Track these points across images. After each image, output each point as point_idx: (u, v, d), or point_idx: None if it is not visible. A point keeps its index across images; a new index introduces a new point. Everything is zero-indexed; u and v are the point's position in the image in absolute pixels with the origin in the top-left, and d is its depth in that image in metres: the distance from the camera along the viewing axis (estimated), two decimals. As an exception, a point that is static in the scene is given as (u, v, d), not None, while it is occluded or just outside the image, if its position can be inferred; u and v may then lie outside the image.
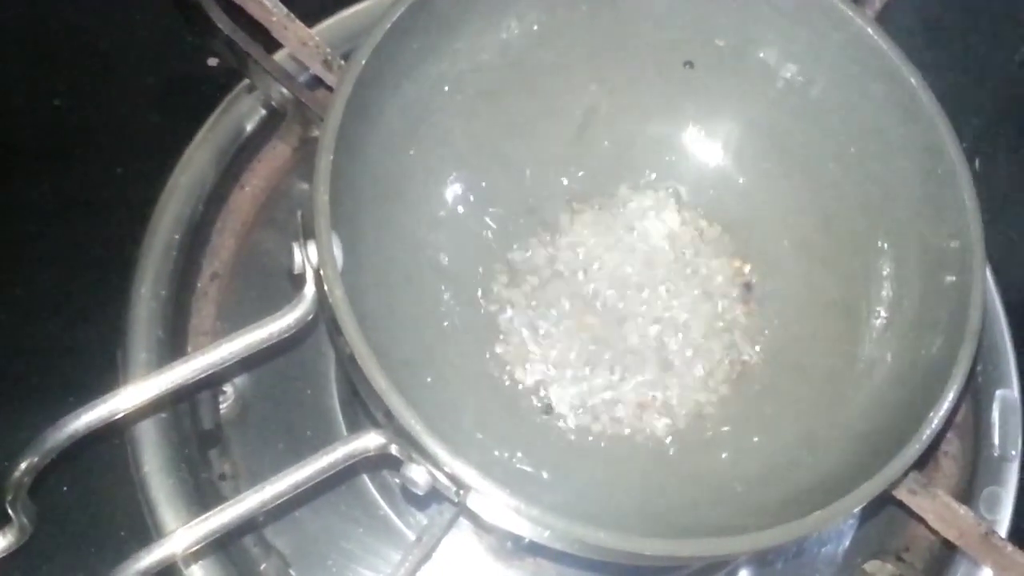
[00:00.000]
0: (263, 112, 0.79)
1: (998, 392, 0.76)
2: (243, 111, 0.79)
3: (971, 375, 0.58)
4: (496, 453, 0.64)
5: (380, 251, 0.63)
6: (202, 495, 0.68)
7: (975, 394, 0.77)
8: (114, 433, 0.67)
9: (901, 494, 0.63)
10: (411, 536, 0.69)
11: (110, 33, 0.85)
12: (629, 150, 0.74)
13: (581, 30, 0.70)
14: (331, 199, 0.54)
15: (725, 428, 0.68)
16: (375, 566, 0.69)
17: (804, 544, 0.73)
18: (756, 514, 0.58)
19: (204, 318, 0.75)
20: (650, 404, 0.69)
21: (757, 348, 0.70)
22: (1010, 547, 0.65)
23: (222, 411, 0.72)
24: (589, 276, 0.71)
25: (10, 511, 0.58)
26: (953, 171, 0.62)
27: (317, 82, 0.74)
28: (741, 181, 0.73)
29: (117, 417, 0.55)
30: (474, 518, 0.55)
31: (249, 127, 0.79)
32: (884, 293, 0.66)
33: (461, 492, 0.52)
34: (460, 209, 0.71)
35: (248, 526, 0.67)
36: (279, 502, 0.55)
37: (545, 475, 0.64)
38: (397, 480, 0.69)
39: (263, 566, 0.67)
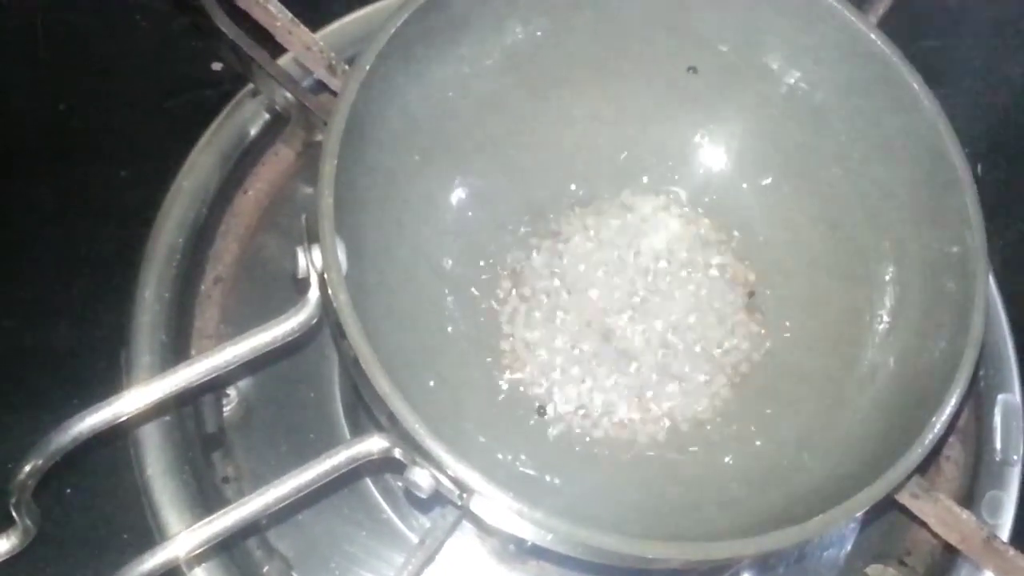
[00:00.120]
0: (267, 116, 0.79)
1: (1000, 396, 0.76)
2: (247, 115, 0.79)
3: (973, 379, 0.58)
4: (499, 456, 0.64)
5: (384, 255, 0.64)
6: (205, 498, 0.68)
7: (977, 398, 0.77)
8: (117, 436, 0.67)
9: (903, 498, 0.63)
10: (414, 539, 0.69)
11: (114, 37, 0.85)
12: (632, 155, 0.74)
13: (585, 36, 0.70)
14: (335, 203, 0.54)
15: (727, 432, 0.68)
16: (378, 569, 0.69)
17: (806, 548, 0.72)
18: (758, 518, 0.59)
19: (207, 321, 0.75)
20: (652, 408, 0.69)
21: (759, 353, 0.70)
22: (1012, 551, 0.65)
23: (225, 414, 0.72)
24: (592, 281, 0.71)
25: (14, 513, 0.58)
26: (955, 176, 0.62)
27: (321, 87, 0.74)
28: (744, 187, 0.73)
29: (121, 420, 0.55)
30: (477, 521, 0.56)
31: (253, 131, 0.79)
32: (887, 298, 0.66)
33: (464, 495, 0.52)
34: (463, 214, 0.71)
35: (251, 529, 0.67)
36: (282, 505, 0.55)
37: (548, 478, 0.64)
38: (400, 483, 0.70)
39: (266, 569, 0.67)
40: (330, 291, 0.53)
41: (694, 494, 0.65)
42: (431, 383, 0.64)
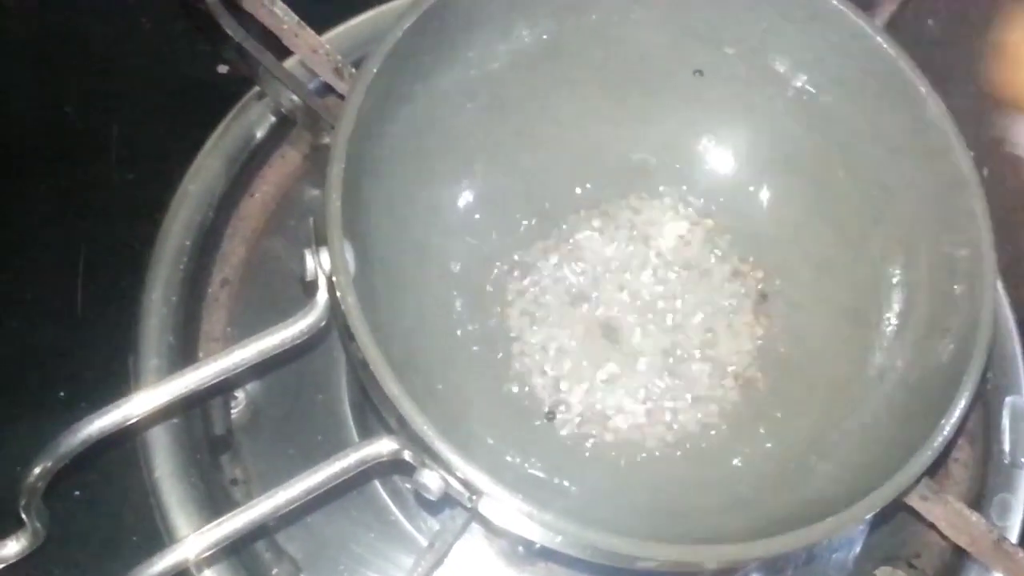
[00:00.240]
0: (273, 119, 0.79)
1: (1008, 399, 0.76)
2: (253, 118, 0.79)
3: (981, 381, 0.58)
4: (508, 459, 0.64)
5: (391, 258, 0.64)
6: (213, 500, 0.68)
7: (985, 401, 0.76)
8: (126, 438, 0.67)
9: (912, 500, 0.63)
10: (423, 541, 0.69)
11: (121, 40, 0.85)
12: (639, 158, 0.74)
13: (591, 39, 0.70)
14: (343, 206, 0.55)
15: (736, 435, 0.68)
16: (386, 571, 0.69)
17: (815, 551, 0.72)
18: (767, 520, 0.59)
19: (215, 324, 0.75)
20: (661, 411, 0.69)
21: (767, 355, 0.70)
22: (1021, 553, 0.64)
23: (233, 416, 0.72)
24: (599, 284, 0.71)
25: (23, 516, 0.58)
26: (963, 179, 0.62)
27: (327, 89, 0.74)
28: (751, 189, 0.73)
29: (130, 422, 0.55)
30: (486, 523, 0.56)
31: (259, 134, 0.79)
32: (895, 300, 0.66)
33: (474, 497, 0.52)
34: (471, 216, 0.71)
35: (260, 531, 0.67)
36: (292, 507, 0.56)
37: (557, 480, 0.64)
38: (409, 485, 0.70)
39: (275, 571, 0.67)
40: (338, 294, 0.53)
41: (703, 496, 0.65)
42: (440, 385, 0.64)
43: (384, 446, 0.55)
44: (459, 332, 0.68)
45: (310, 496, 0.55)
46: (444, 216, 0.70)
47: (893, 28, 0.68)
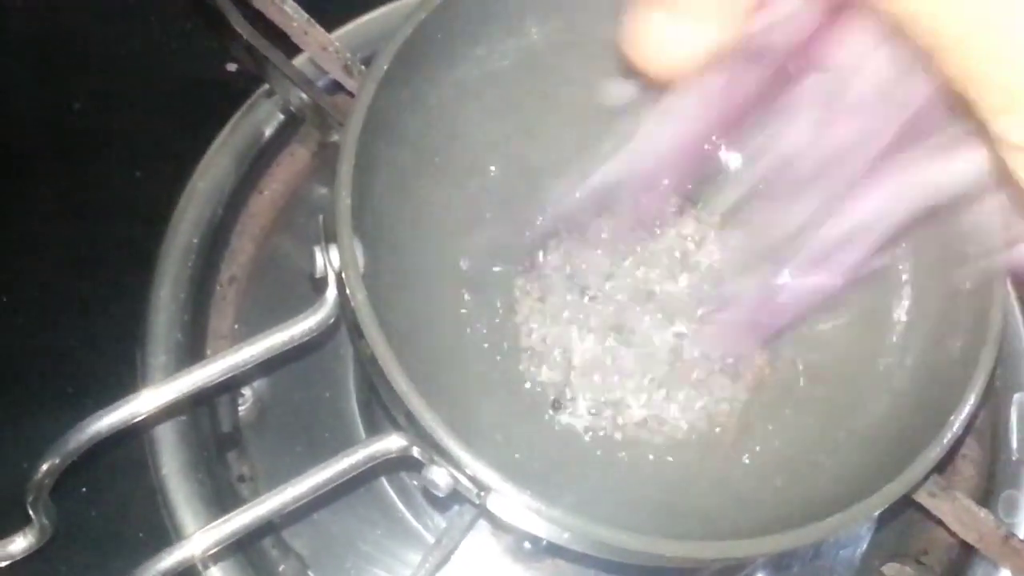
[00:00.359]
0: (282, 117, 0.80)
1: (1016, 396, 0.76)
2: (262, 116, 0.80)
3: (989, 378, 0.58)
4: (516, 456, 0.64)
5: (400, 255, 0.64)
6: (220, 497, 0.68)
7: (993, 398, 0.76)
8: (133, 436, 0.67)
9: (921, 497, 0.63)
10: (429, 538, 0.69)
11: (129, 37, 0.85)
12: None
13: (600, 37, 0.70)
14: (352, 203, 0.55)
15: (745, 433, 0.68)
16: (393, 568, 0.69)
17: (822, 547, 0.73)
18: (775, 517, 0.58)
19: (222, 321, 0.75)
20: (669, 408, 0.69)
21: (777, 353, 0.70)
22: (1030, 550, 0.65)
23: (241, 414, 0.73)
24: (609, 281, 0.71)
25: (31, 512, 0.59)
26: (975, 175, 0.62)
27: (337, 87, 0.74)
28: (760, 187, 0.73)
29: (138, 419, 0.55)
30: (494, 520, 0.56)
31: (268, 132, 0.79)
32: (903, 297, 0.66)
33: (482, 494, 0.52)
34: (480, 213, 0.71)
35: (266, 528, 0.67)
36: (299, 504, 0.56)
37: (564, 478, 0.64)
38: (416, 482, 0.70)
39: (281, 568, 0.68)
40: (348, 290, 0.53)
41: (712, 493, 0.65)
42: (447, 382, 0.64)
43: (393, 442, 0.55)
44: (468, 329, 0.68)
45: (318, 492, 0.56)
46: (453, 212, 0.69)
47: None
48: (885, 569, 0.72)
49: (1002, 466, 0.75)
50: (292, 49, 0.73)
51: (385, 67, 0.58)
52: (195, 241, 0.75)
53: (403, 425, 0.55)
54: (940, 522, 0.66)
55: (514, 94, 0.70)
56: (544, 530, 0.53)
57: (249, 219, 0.78)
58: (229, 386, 0.72)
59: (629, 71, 0.52)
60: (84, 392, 0.72)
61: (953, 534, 0.67)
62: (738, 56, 0.50)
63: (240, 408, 0.73)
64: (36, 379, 0.73)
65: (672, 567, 0.67)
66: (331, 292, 0.55)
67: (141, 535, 0.69)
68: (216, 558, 0.65)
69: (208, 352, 0.74)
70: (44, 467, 0.55)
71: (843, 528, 0.53)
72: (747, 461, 0.66)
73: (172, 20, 0.85)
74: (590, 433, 0.68)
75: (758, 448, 0.67)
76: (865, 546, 0.73)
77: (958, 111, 0.45)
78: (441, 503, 0.69)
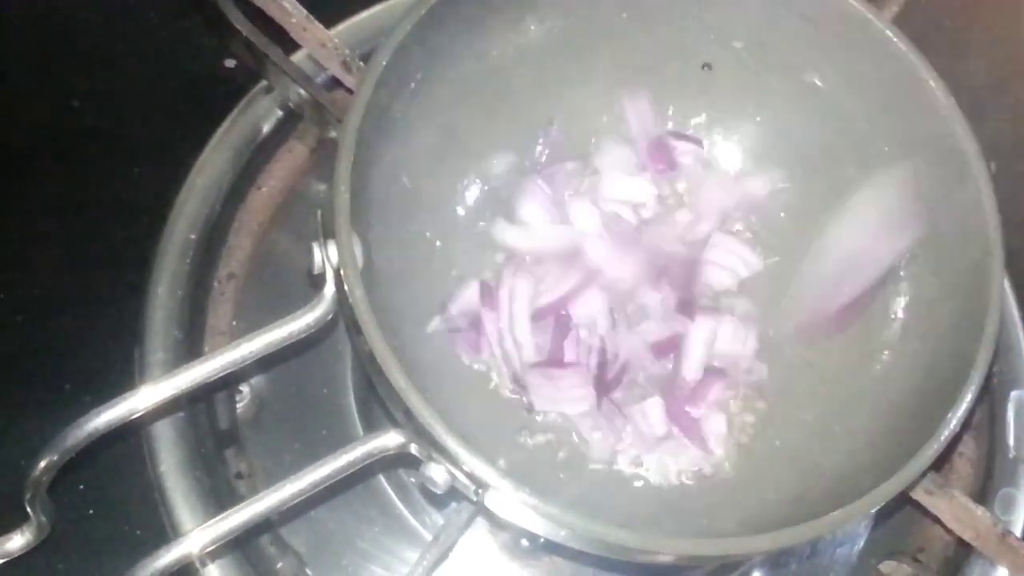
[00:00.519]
0: (280, 113, 0.79)
1: (1013, 393, 0.76)
2: (260, 112, 0.79)
3: (986, 376, 0.58)
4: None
5: (398, 251, 0.64)
6: (218, 494, 0.68)
7: (990, 396, 0.77)
8: (131, 433, 0.67)
9: (918, 494, 0.63)
10: (427, 535, 0.69)
11: (128, 34, 0.85)
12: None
13: (599, 33, 0.70)
14: (351, 199, 0.55)
15: (742, 431, 0.68)
16: (390, 565, 0.69)
17: (819, 545, 0.73)
18: (773, 514, 0.59)
19: (221, 318, 0.75)
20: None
21: (774, 351, 0.70)
22: (1026, 547, 0.65)
23: (238, 411, 0.73)
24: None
25: (29, 509, 0.58)
26: (971, 174, 0.62)
27: (335, 83, 0.74)
28: (760, 182, 0.73)
29: (136, 416, 0.55)
30: (492, 517, 0.56)
31: (266, 128, 0.79)
32: (902, 295, 0.66)
33: (480, 491, 0.52)
34: (479, 210, 0.71)
35: (264, 526, 0.67)
36: (298, 501, 0.56)
37: (561, 475, 0.64)
38: (413, 480, 0.70)
39: (279, 565, 0.68)
40: (346, 287, 0.53)
41: (709, 492, 0.65)
42: (444, 378, 0.64)
43: (391, 439, 0.55)
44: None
45: (317, 489, 0.55)
46: (451, 209, 0.70)
47: (901, 21, 0.68)
48: (882, 567, 0.72)
49: (999, 464, 0.75)
50: (291, 45, 0.73)
51: (384, 63, 0.58)
52: (193, 238, 0.74)
53: (401, 422, 0.54)
54: (937, 520, 0.66)
55: (512, 90, 0.70)
56: (541, 527, 0.53)
57: (247, 215, 0.78)
58: (227, 383, 0.72)
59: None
60: (82, 389, 0.72)
61: (950, 532, 0.67)
62: None
63: (238, 405, 0.73)
64: (34, 376, 0.72)
65: (669, 564, 0.67)
66: (329, 288, 0.55)
67: (139, 532, 0.69)
68: (214, 555, 0.65)
69: (206, 349, 0.74)
70: (42, 464, 0.55)
71: (841, 525, 0.53)
72: (745, 459, 0.67)
73: (171, 17, 0.85)
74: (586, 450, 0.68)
75: (756, 446, 0.67)
76: (862, 544, 0.73)
77: None
78: (439, 500, 0.69)
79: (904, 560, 0.71)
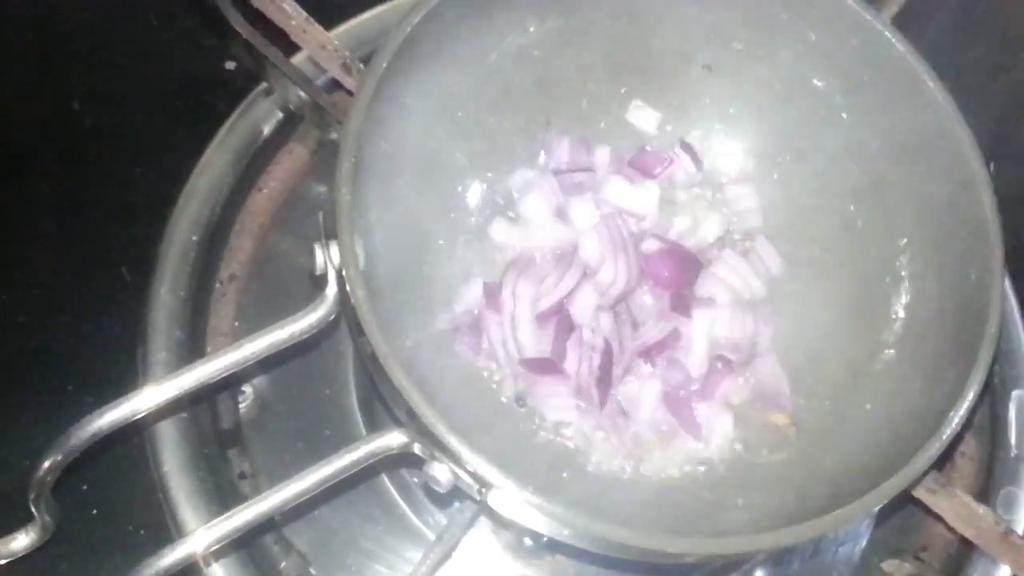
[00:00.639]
0: (280, 115, 0.80)
1: (1015, 393, 0.76)
2: (260, 114, 0.80)
3: (988, 375, 0.58)
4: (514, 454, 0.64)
5: (400, 252, 0.64)
6: (221, 494, 0.68)
7: (992, 395, 0.77)
8: (134, 433, 0.68)
9: (920, 493, 0.63)
10: (430, 535, 0.69)
11: (128, 37, 0.85)
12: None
13: (600, 36, 0.70)
14: (352, 200, 0.55)
15: (745, 427, 0.68)
16: (394, 564, 0.69)
17: (821, 544, 0.73)
18: (776, 513, 0.59)
19: (222, 319, 0.75)
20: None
21: (778, 347, 0.70)
22: (1028, 546, 0.65)
23: (241, 411, 0.73)
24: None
25: (33, 509, 0.59)
26: (971, 173, 0.62)
27: (335, 85, 0.75)
28: (761, 183, 0.74)
29: (140, 416, 0.55)
30: (495, 516, 0.56)
31: (266, 130, 0.79)
32: (903, 294, 0.66)
33: (483, 490, 0.52)
34: (479, 210, 0.71)
35: (268, 525, 0.67)
36: (301, 500, 0.56)
37: (565, 475, 0.64)
38: (416, 479, 0.70)
39: (283, 565, 0.68)
40: (348, 287, 0.53)
41: (712, 489, 0.65)
42: (446, 378, 0.64)
43: (394, 439, 0.55)
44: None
45: (320, 488, 0.56)
46: (453, 209, 0.70)
47: (900, 23, 0.68)
48: (885, 565, 0.72)
49: (1001, 463, 0.75)
50: (291, 47, 0.73)
51: (384, 65, 0.58)
52: (195, 239, 0.75)
53: (404, 421, 0.55)
54: (939, 518, 0.66)
55: (512, 90, 0.70)
56: (544, 526, 0.54)
57: (248, 217, 0.78)
58: (230, 383, 0.72)
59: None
60: (85, 390, 0.72)
61: (952, 530, 0.67)
62: None
63: (241, 405, 0.73)
64: (36, 377, 0.73)
65: (672, 563, 0.67)
66: (331, 289, 0.55)
67: (142, 532, 0.69)
68: (218, 555, 0.65)
69: (208, 349, 0.74)
70: (46, 464, 0.55)
71: (844, 524, 0.53)
72: (746, 456, 0.67)
73: (171, 19, 0.85)
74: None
75: (759, 444, 0.67)
76: (864, 543, 0.73)
77: None
78: (442, 500, 0.69)
79: (906, 559, 0.71)
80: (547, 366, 0.66)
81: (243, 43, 0.73)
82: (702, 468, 0.66)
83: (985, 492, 0.74)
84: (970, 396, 0.56)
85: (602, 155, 0.73)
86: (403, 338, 0.56)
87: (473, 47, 0.66)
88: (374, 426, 0.72)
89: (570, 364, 0.67)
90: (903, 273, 0.67)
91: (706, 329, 0.69)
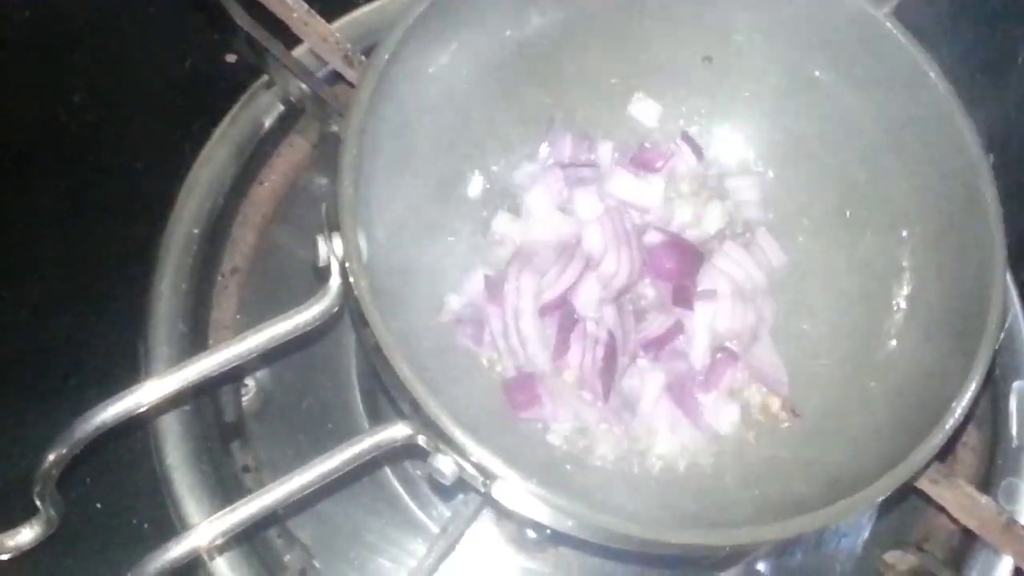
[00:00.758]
0: (281, 108, 0.80)
1: (1015, 384, 0.77)
2: (262, 107, 0.80)
3: (989, 366, 0.58)
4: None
5: (402, 243, 0.64)
6: (224, 487, 0.68)
7: (993, 386, 0.77)
8: (137, 427, 0.68)
9: (923, 484, 0.63)
10: (433, 527, 0.69)
11: (129, 30, 0.85)
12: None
13: (601, 28, 0.70)
14: (355, 193, 0.55)
15: (748, 420, 0.68)
16: (397, 557, 0.69)
17: (823, 536, 0.73)
18: (780, 505, 0.59)
19: (225, 311, 0.75)
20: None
21: (779, 338, 0.71)
22: (1031, 536, 0.65)
23: (244, 404, 0.73)
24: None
25: (38, 502, 0.58)
26: (972, 164, 0.62)
27: (336, 77, 0.74)
28: (761, 172, 0.74)
29: (144, 408, 0.55)
30: (499, 508, 0.56)
31: (268, 122, 0.80)
32: (904, 285, 0.66)
33: (487, 482, 0.52)
34: (481, 202, 0.71)
35: (271, 519, 0.67)
36: (306, 493, 0.56)
37: (568, 467, 0.64)
38: (419, 472, 0.70)
39: (287, 557, 0.68)
40: (351, 279, 0.53)
41: (715, 480, 0.65)
42: (450, 369, 0.64)
43: (399, 431, 0.55)
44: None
45: (325, 481, 0.55)
46: (455, 202, 0.70)
47: (901, 13, 0.68)
48: (887, 557, 0.72)
49: (1002, 454, 0.75)
50: (291, 40, 0.73)
51: (387, 57, 0.58)
52: (196, 232, 0.75)
53: (408, 413, 0.55)
54: (941, 509, 0.66)
55: (513, 82, 0.70)
56: (548, 518, 0.54)
57: (250, 209, 0.78)
58: (232, 376, 0.72)
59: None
60: (87, 384, 0.72)
61: (954, 521, 0.67)
62: None
63: (243, 398, 0.73)
64: (39, 371, 0.73)
65: (676, 555, 0.67)
66: (335, 281, 0.55)
67: (145, 525, 0.69)
68: (222, 548, 0.65)
69: (211, 342, 0.74)
70: (51, 457, 0.55)
71: (848, 515, 0.54)
72: (753, 447, 0.67)
73: (172, 12, 0.85)
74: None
75: (764, 435, 0.67)
76: (866, 534, 0.73)
77: None
78: (445, 492, 0.69)
79: (909, 550, 0.71)
80: (527, 392, 0.66)
81: (244, 36, 0.73)
82: (706, 460, 0.67)
83: (986, 483, 0.74)
84: (973, 386, 0.56)
85: (605, 150, 0.73)
86: (406, 330, 0.56)
87: (475, 40, 0.66)
88: (377, 419, 0.72)
89: (574, 357, 0.67)
90: (904, 264, 0.67)
91: (708, 321, 0.69)
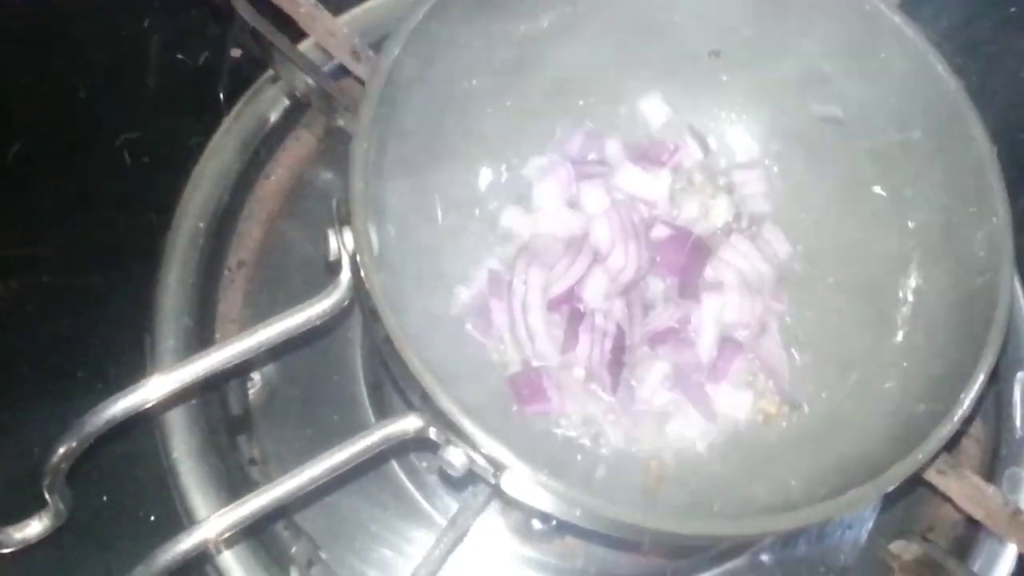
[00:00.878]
0: (287, 102, 0.80)
1: (1019, 375, 0.77)
2: (267, 101, 0.80)
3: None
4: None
5: (412, 237, 0.64)
6: (231, 480, 0.69)
7: (996, 377, 0.77)
8: (144, 421, 0.68)
9: (930, 475, 0.64)
10: (438, 518, 0.70)
11: (134, 24, 0.85)
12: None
13: (609, 23, 0.70)
14: (365, 187, 0.55)
15: (759, 411, 0.69)
16: (403, 549, 0.69)
17: (827, 527, 0.73)
18: (788, 495, 0.59)
19: (231, 306, 0.75)
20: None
21: (790, 333, 0.71)
22: (1036, 525, 0.65)
23: (250, 398, 0.73)
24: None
25: (47, 495, 0.59)
26: (980, 157, 0.62)
27: (342, 72, 0.75)
28: (769, 167, 0.74)
29: (154, 402, 0.55)
30: (508, 499, 0.56)
31: (273, 117, 0.80)
32: (912, 277, 0.67)
33: (498, 473, 0.53)
34: (490, 195, 0.71)
35: (278, 511, 0.67)
36: (314, 486, 0.56)
37: (578, 457, 0.65)
38: (425, 464, 0.70)
39: (294, 550, 0.68)
40: (362, 273, 0.54)
41: (724, 469, 0.65)
42: (459, 362, 0.65)
43: (409, 423, 0.55)
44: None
45: (335, 474, 0.56)
46: (465, 196, 0.70)
47: (910, 7, 0.68)
48: (892, 547, 0.72)
49: (1006, 444, 0.75)
50: (297, 34, 0.73)
51: (396, 52, 0.58)
52: (202, 226, 0.75)
53: (418, 405, 0.55)
54: (947, 499, 0.66)
55: (522, 77, 0.70)
56: (558, 508, 0.54)
57: (256, 204, 0.78)
58: (239, 370, 0.72)
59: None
60: (94, 378, 0.72)
61: (959, 511, 0.67)
62: None
63: (250, 392, 0.73)
64: (46, 366, 0.73)
65: (683, 544, 0.68)
66: (345, 275, 0.56)
67: (153, 519, 0.69)
68: (229, 541, 0.65)
69: (217, 336, 0.74)
70: (61, 451, 0.55)
71: (857, 505, 0.54)
72: (760, 440, 0.67)
73: (176, 7, 0.85)
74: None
75: (771, 428, 0.68)
76: (871, 525, 0.74)
77: None
78: (453, 484, 0.69)
79: (914, 539, 0.72)
80: (533, 387, 0.66)
81: (249, 30, 0.73)
82: (714, 451, 0.67)
83: (990, 473, 0.74)
84: (981, 378, 0.57)
85: (613, 146, 0.73)
86: (416, 323, 0.56)
87: (484, 34, 0.66)
88: (383, 412, 0.73)
89: (582, 349, 0.67)
90: (912, 256, 0.67)
91: (715, 314, 0.69)
